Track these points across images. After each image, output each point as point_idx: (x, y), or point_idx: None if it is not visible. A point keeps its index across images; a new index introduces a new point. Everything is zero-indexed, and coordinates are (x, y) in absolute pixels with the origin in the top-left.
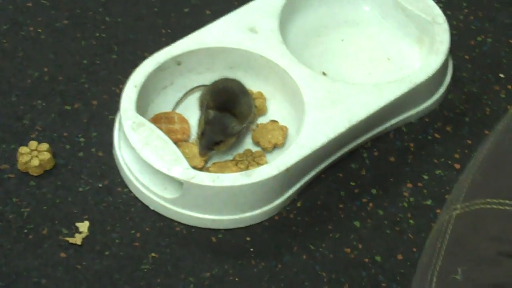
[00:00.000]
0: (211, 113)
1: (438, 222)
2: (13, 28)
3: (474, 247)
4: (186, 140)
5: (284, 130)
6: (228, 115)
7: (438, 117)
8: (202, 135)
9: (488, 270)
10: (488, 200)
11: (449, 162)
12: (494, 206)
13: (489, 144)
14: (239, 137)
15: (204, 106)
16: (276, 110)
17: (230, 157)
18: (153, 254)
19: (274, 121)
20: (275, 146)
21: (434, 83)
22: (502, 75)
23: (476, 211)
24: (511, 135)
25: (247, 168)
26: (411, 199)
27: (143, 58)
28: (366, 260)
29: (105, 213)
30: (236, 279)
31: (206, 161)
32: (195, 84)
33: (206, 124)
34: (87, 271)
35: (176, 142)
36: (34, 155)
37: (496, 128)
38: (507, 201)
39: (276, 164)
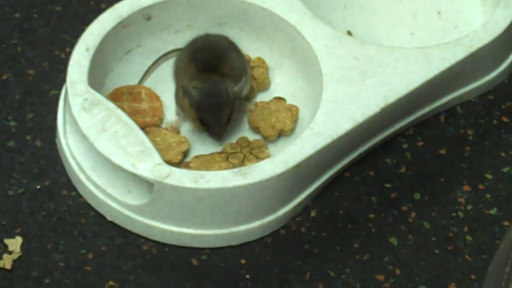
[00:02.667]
0: (194, 91)
1: (506, 240)
2: None
3: None
4: (157, 125)
5: (293, 111)
6: (215, 78)
7: (507, 93)
8: (204, 125)
9: None
10: None
11: None
12: None
13: None
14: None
15: (179, 82)
16: (282, 84)
17: (218, 149)
18: (111, 283)
19: (279, 99)
20: (281, 134)
21: (502, 47)
22: None
23: None
24: None
25: (241, 163)
26: (469, 207)
27: (99, 10)
28: None
29: (44, 226)
30: None
31: (185, 154)
32: (171, 47)
33: (198, 109)
34: None
35: (144, 128)
36: None
37: None
38: None
39: (283, 158)
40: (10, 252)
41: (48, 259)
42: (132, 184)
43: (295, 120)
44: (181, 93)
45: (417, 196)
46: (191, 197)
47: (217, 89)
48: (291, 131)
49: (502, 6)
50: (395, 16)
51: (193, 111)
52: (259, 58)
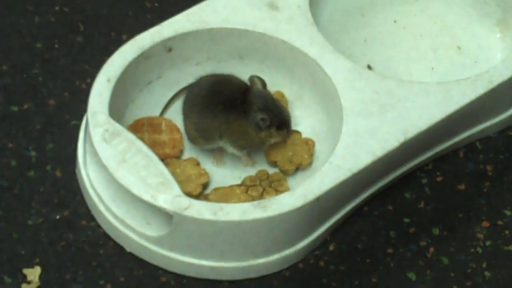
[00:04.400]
0: (259, 113)
1: None
2: None
3: None
4: (177, 157)
5: (309, 145)
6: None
7: None
8: (282, 129)
9: None
10: None
11: None
12: None
13: None
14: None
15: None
16: (302, 117)
17: (237, 181)
18: None
19: (295, 132)
20: (299, 168)
21: None
22: None
23: None
24: None
25: (261, 196)
26: (488, 242)
27: (120, 42)
28: None
29: (63, 256)
30: None
31: (204, 186)
32: (191, 79)
33: (271, 120)
34: None
35: (164, 159)
36: None
37: None
38: None
39: (302, 191)
40: (28, 282)
41: None
42: (151, 215)
43: (312, 154)
44: (239, 126)
45: (436, 231)
46: (210, 229)
47: (262, 93)
48: (309, 165)
49: None
50: (415, 50)
51: (267, 131)
52: (278, 92)
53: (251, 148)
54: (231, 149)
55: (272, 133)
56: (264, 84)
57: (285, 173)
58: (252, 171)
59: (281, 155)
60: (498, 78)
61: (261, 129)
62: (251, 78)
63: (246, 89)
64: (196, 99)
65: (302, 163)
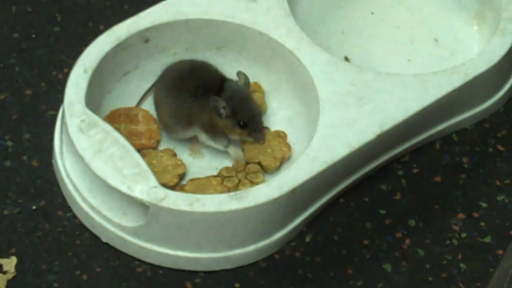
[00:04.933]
0: (220, 100)
1: (500, 269)
2: None
3: None
4: (153, 147)
5: (283, 137)
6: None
7: (502, 122)
8: (243, 127)
9: None
10: None
11: None
12: None
13: None
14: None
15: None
16: (279, 108)
17: (214, 172)
18: None
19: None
20: (282, 162)
21: (498, 76)
22: None
23: None
24: None
25: (236, 187)
26: (463, 234)
27: (97, 32)
28: None
29: (39, 246)
30: None
31: (181, 177)
32: None
33: (232, 113)
34: None
35: (140, 150)
36: None
37: None
38: None
39: (278, 183)
40: (4, 272)
41: (42, 280)
42: (127, 206)
43: (288, 145)
44: (210, 111)
45: (412, 223)
46: (186, 220)
47: (237, 86)
48: (290, 157)
49: (498, 34)
50: (392, 42)
51: (228, 122)
52: (255, 83)
53: (218, 138)
54: (204, 138)
55: (231, 126)
56: (247, 82)
57: (270, 171)
58: (228, 163)
59: (261, 154)
60: (474, 71)
61: (220, 116)
62: (239, 73)
63: (223, 79)
64: (174, 82)
65: (284, 156)
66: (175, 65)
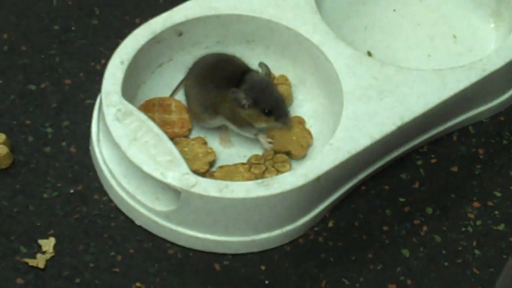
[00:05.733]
0: (242, 91)
1: None
2: None
3: None
4: (185, 136)
5: (303, 123)
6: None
7: None
8: (269, 114)
9: None
10: None
11: None
12: None
13: None
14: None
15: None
16: (304, 100)
17: (242, 160)
18: (138, 284)
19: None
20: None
21: None
22: None
23: None
24: None
25: (263, 175)
26: (478, 222)
27: (134, 25)
28: None
29: (76, 228)
30: None
31: (211, 164)
32: None
33: (255, 102)
34: None
35: (173, 138)
36: None
37: None
38: None
39: (303, 171)
40: (43, 252)
41: (79, 260)
42: (160, 191)
43: (310, 131)
44: (232, 102)
45: (429, 210)
46: (215, 206)
47: (258, 76)
48: (312, 143)
49: None
50: (413, 38)
51: (252, 111)
52: (282, 76)
53: (245, 127)
54: (231, 127)
55: (256, 115)
56: (268, 73)
57: (299, 158)
58: (257, 151)
59: (290, 143)
60: (491, 67)
61: (243, 107)
62: (261, 63)
63: (246, 70)
64: (201, 73)
65: (310, 143)
66: (203, 58)
